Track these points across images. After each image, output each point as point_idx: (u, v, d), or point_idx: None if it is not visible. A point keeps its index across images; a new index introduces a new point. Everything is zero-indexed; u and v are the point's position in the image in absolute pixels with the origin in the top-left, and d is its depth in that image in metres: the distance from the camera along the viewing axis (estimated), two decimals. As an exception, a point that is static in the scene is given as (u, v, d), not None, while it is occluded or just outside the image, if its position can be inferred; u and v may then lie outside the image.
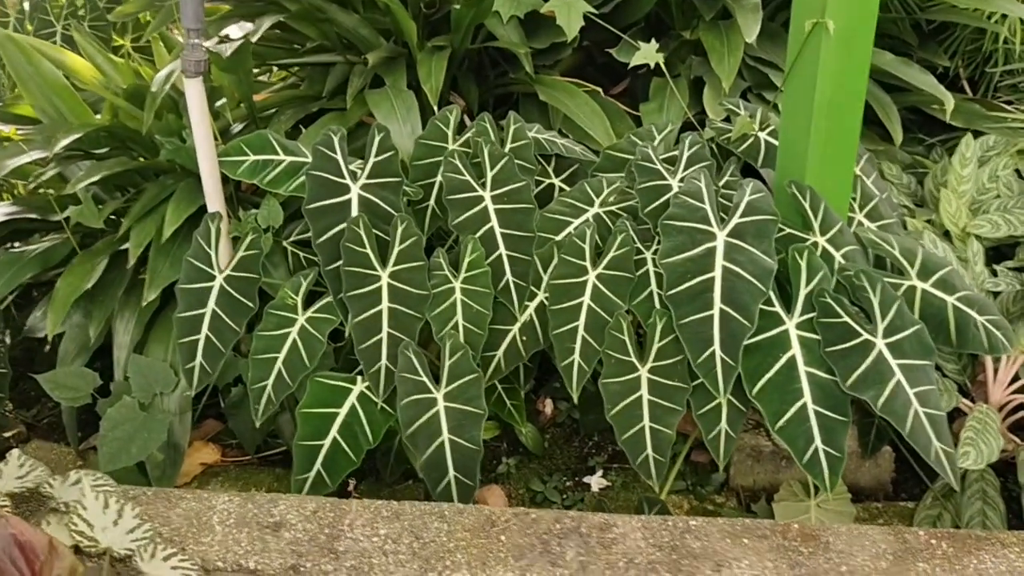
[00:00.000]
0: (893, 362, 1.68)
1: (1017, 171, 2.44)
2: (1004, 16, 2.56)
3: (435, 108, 2.18)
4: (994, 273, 2.08)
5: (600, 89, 2.48)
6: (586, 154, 2.20)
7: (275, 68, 2.97)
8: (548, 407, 2.37)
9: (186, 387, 2.04)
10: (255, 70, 2.91)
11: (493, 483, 2.14)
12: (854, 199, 2.08)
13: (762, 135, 2.09)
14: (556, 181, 2.19)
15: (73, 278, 2.14)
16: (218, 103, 2.33)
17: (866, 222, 2.05)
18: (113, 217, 2.26)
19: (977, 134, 2.49)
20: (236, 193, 2.28)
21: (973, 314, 1.78)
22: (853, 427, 1.97)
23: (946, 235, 2.22)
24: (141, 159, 2.24)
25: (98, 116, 2.36)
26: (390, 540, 1.43)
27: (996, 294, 2.02)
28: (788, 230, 1.85)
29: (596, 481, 2.13)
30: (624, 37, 2.34)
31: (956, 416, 1.96)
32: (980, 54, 2.73)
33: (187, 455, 2.18)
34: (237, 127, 2.43)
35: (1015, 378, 1.94)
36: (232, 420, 2.19)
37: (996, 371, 1.94)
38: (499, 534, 1.43)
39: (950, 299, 1.79)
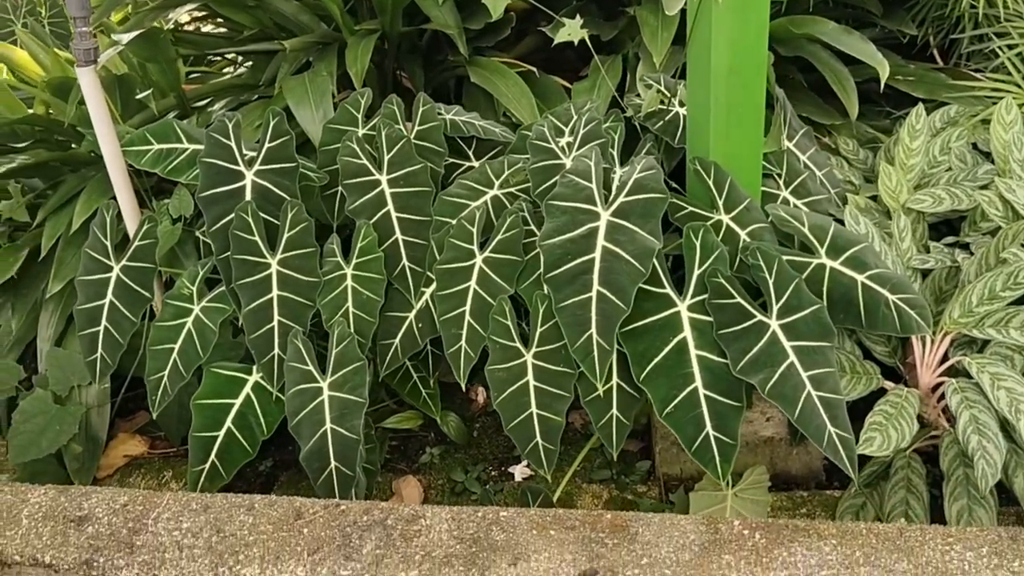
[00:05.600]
0: (787, 344, 1.59)
1: (974, 144, 2.30)
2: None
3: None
4: (927, 249, 1.96)
5: (535, 69, 2.41)
6: (507, 135, 2.13)
7: (235, 61, 2.96)
8: (481, 396, 2.32)
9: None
10: (203, 62, 2.91)
11: (414, 473, 2.10)
12: (779, 175, 1.99)
13: (682, 111, 2.00)
14: (476, 164, 2.13)
15: (-4, 271, 2.16)
16: (142, 94, 2.32)
17: (792, 199, 1.96)
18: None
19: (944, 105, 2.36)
20: (154, 186, 2.26)
21: (885, 293, 1.67)
22: (783, 414, 1.89)
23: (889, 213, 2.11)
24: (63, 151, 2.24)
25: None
26: (190, 534, 1.39)
27: (926, 273, 1.91)
28: (692, 209, 1.76)
29: (520, 471, 2.08)
30: (557, 18, 2.26)
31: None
32: (948, 20, 2.58)
33: (112, 447, 2.18)
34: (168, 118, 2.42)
35: (945, 358, 1.82)
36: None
37: (924, 352, 1.83)
38: (303, 527, 1.38)
39: (860, 277, 1.69)
